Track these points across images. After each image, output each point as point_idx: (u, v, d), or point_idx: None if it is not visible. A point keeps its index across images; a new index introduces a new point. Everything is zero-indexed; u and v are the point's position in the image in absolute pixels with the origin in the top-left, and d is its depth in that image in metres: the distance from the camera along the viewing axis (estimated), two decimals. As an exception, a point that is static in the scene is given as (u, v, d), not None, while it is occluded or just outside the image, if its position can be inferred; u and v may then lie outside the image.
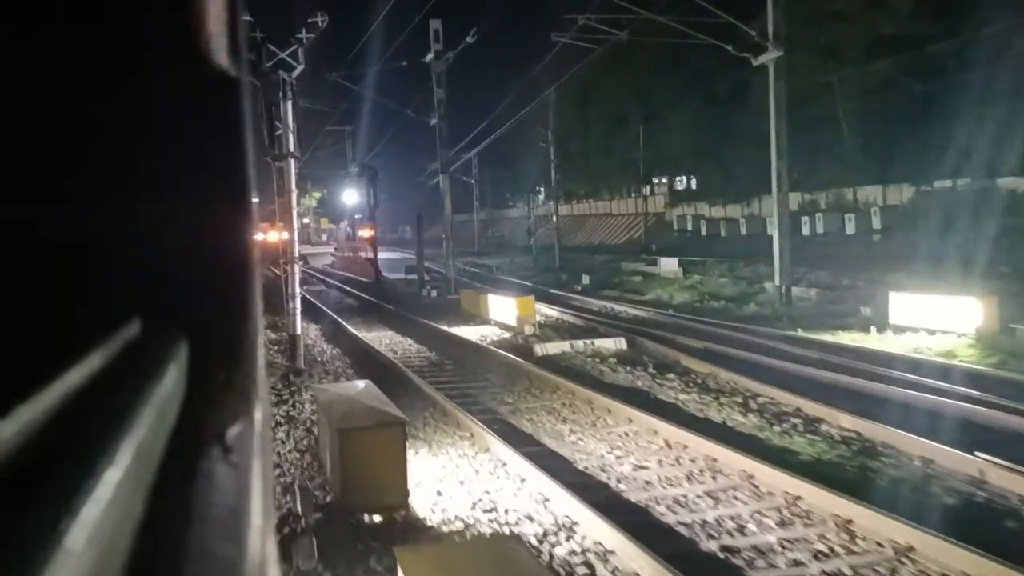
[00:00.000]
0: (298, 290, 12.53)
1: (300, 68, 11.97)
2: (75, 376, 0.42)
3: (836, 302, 19.53)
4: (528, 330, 16.25)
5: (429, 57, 22.37)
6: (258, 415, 0.67)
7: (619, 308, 20.64)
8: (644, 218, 43.00)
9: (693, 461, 7.94)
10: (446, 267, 24.04)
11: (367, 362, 14.03)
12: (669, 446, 8.46)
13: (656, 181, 50.70)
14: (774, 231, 19.28)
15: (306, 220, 71.91)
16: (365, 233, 54.53)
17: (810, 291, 20.41)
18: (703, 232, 42.60)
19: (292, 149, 11.92)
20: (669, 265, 26.11)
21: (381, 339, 17.18)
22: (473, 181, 49.14)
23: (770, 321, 16.91)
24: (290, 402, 10.69)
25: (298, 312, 12.48)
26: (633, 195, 53.97)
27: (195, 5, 0.60)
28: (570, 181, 56.50)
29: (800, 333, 14.95)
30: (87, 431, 0.38)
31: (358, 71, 23.19)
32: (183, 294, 0.64)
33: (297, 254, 12.34)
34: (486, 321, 18.41)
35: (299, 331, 12.48)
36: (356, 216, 52.89)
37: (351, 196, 47.79)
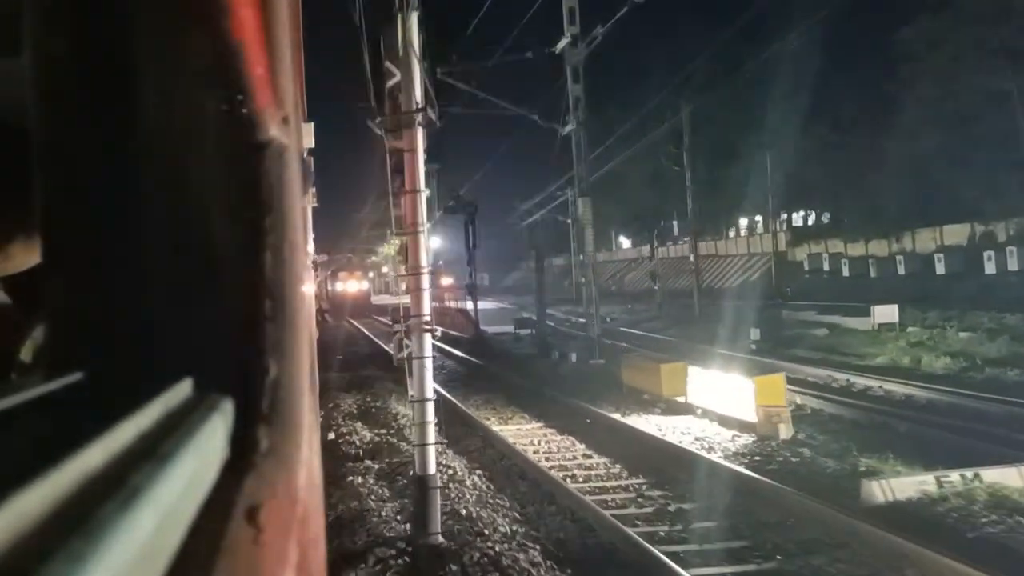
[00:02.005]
0: (430, 385, 6.03)
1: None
2: (96, 452, 0.37)
3: None
4: (784, 432, 9.43)
5: (562, 44, 16.18)
6: (300, 484, 0.64)
7: (858, 380, 13.55)
8: (775, 259, 35.87)
9: None
10: (588, 323, 17.33)
11: (543, 508, 7.45)
12: None
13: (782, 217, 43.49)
14: None
15: (384, 269, 66.83)
16: (445, 281, 48.79)
17: None
18: (845, 272, 34.99)
19: (419, 104, 5.67)
20: (886, 315, 18.80)
21: (532, 441, 10.59)
22: (569, 220, 42.66)
23: None
24: None
25: (431, 430, 5.99)
26: (744, 233, 46.80)
27: (245, 79, 0.59)
28: (670, 218, 50.06)
29: None
30: (88, 515, 0.32)
31: (463, 68, 17.04)
32: (232, 354, 0.61)
33: (428, 315, 5.90)
34: (680, 408, 11.64)
35: (433, 469, 5.98)
36: (439, 263, 47.17)
37: (436, 241, 41.75)
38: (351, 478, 8.55)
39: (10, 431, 0.41)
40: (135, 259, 0.60)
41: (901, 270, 32.26)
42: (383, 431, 11.25)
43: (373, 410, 13.04)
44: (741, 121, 40.48)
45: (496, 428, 11.39)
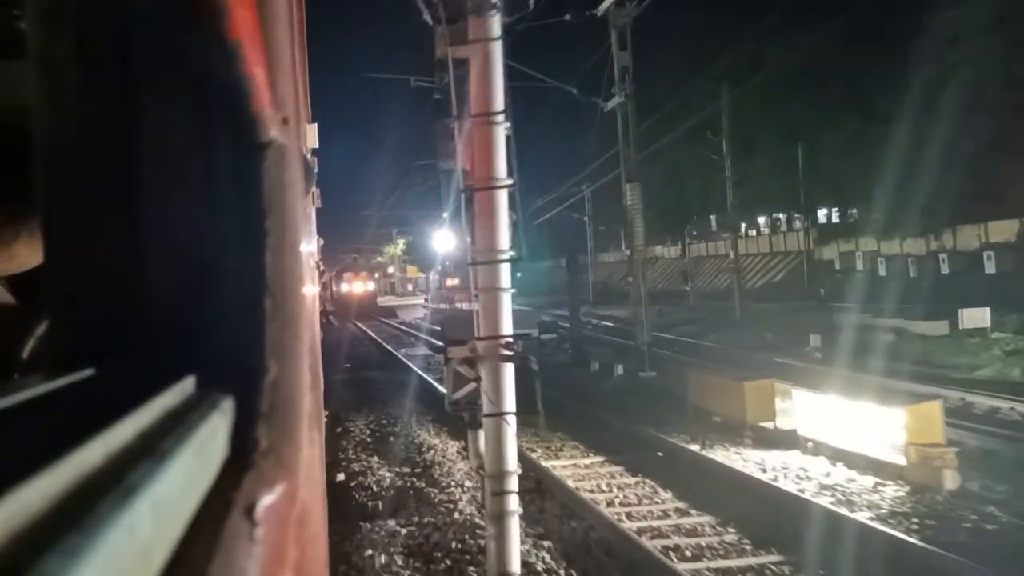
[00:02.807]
0: (513, 455, 3.57)
1: None
2: (96, 449, 0.37)
3: None
4: (950, 481, 6.97)
5: (606, 4, 13.75)
6: (300, 483, 0.62)
7: (974, 399, 11.09)
8: (806, 257, 33.44)
9: None
10: (637, 330, 14.83)
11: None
12: None
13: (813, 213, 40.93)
14: None
15: (390, 269, 64.44)
16: (450, 282, 46.33)
17: None
18: (881, 272, 32.51)
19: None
20: (975, 319, 16.34)
21: (599, 485, 8.12)
22: (587, 218, 40.22)
23: None
24: None
25: (514, 533, 3.56)
26: (765, 231, 44.37)
27: (244, 80, 0.58)
28: (694, 215, 47.46)
29: None
30: (86, 512, 0.32)
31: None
32: (232, 353, 0.61)
33: (511, 335, 3.47)
34: (773, 438, 9.18)
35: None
36: (447, 263, 44.83)
37: (444, 240, 39.19)
38: (369, 552, 6.10)
39: (12, 429, 0.40)
40: (136, 259, 0.60)
41: (944, 269, 29.80)
42: (406, 470, 8.81)
43: (390, 438, 10.59)
44: (754, 113, 37.96)
45: (547, 464, 8.94)
